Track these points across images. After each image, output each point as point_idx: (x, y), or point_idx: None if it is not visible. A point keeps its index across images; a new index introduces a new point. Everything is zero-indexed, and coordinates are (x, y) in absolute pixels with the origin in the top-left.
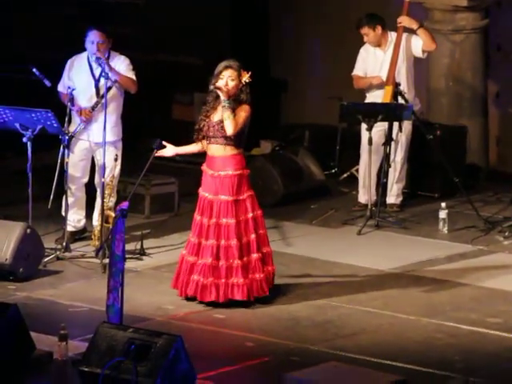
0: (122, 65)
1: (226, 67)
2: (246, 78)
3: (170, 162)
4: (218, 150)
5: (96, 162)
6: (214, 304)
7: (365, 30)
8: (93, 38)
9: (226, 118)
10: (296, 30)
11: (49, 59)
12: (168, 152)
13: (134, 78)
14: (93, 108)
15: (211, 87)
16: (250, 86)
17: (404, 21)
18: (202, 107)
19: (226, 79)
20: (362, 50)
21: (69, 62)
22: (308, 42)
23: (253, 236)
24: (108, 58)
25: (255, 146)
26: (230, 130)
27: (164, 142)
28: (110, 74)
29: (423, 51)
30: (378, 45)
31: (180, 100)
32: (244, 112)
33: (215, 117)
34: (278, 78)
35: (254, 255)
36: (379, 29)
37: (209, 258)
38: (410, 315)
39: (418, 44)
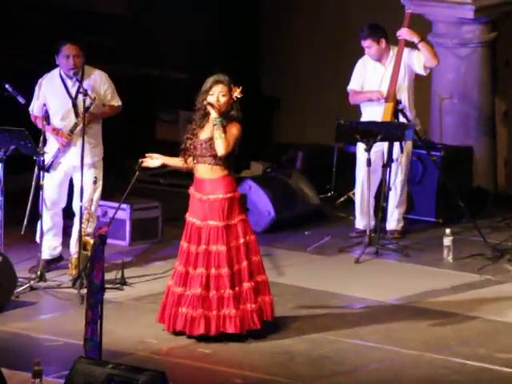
0: (102, 88)
1: (217, 82)
2: (237, 93)
3: (153, 184)
4: (206, 172)
5: (74, 184)
6: (205, 338)
7: (367, 43)
8: (67, 52)
9: (217, 137)
10: (289, 44)
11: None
12: (155, 162)
13: (119, 103)
14: (71, 131)
15: (198, 104)
16: (239, 103)
17: (404, 33)
18: (188, 125)
19: (217, 95)
20: (359, 63)
21: (40, 81)
22: (302, 57)
23: (244, 263)
24: (82, 73)
25: (245, 167)
26: (221, 150)
27: (153, 155)
28: (88, 92)
29: (425, 67)
30: (379, 59)
31: (164, 118)
32: (235, 130)
33: (202, 135)
34: (270, 95)
35: (246, 284)
36: (383, 42)
37: (198, 288)
38: (412, 350)
39: (420, 60)
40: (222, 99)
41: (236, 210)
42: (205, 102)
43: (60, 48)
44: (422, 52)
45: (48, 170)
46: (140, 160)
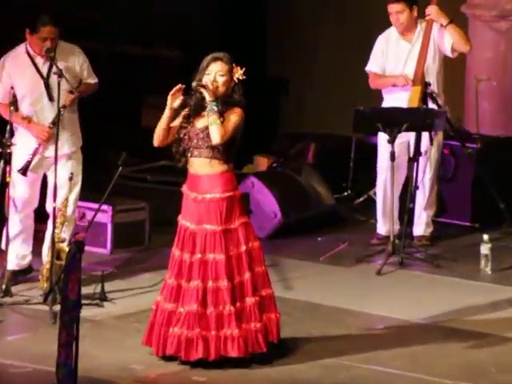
0: (77, 65)
1: (215, 59)
2: (238, 74)
3: (139, 182)
4: (202, 166)
5: (48, 181)
6: (203, 363)
7: (399, 7)
8: (46, 34)
9: (211, 123)
10: (300, 17)
11: None
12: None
13: (95, 79)
14: (53, 123)
15: (194, 85)
16: (243, 86)
17: (433, 12)
18: (182, 112)
19: (214, 74)
20: (380, 40)
21: (2, 61)
22: (315, 32)
23: (247, 275)
24: (55, 48)
25: (247, 162)
26: (216, 138)
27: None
28: (63, 71)
29: (453, 50)
30: (405, 32)
31: (152, 103)
32: (236, 117)
33: (199, 123)
34: (277, 77)
35: (249, 299)
36: (416, 11)
37: (193, 304)
38: (444, 378)
39: (449, 42)
40: (220, 79)
41: (236, 211)
42: (196, 84)
43: (38, 28)
44: (451, 35)
45: (25, 173)
46: (123, 153)
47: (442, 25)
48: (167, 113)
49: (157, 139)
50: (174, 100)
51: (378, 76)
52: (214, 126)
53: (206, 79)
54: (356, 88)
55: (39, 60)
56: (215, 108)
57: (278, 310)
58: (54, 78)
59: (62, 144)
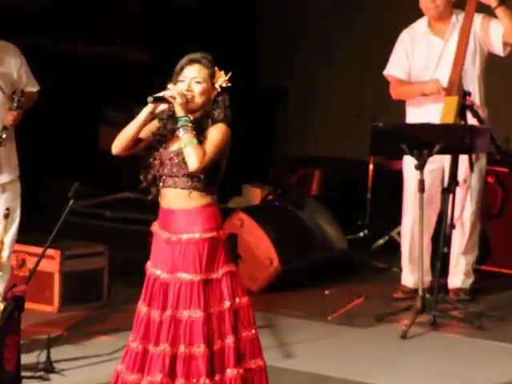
0: (15, 69)
1: (191, 62)
2: (221, 81)
3: (96, 219)
4: (177, 199)
5: None
6: None
7: None
8: None
9: (185, 144)
10: (300, 16)
11: None
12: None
13: (37, 87)
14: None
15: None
16: (229, 96)
17: None
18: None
19: (189, 81)
20: (404, 36)
21: None
22: (319, 33)
23: (230, 340)
24: None
25: (235, 193)
26: (193, 162)
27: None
28: None
29: (504, 45)
30: (437, 23)
31: (112, 119)
32: (218, 134)
33: (173, 145)
34: (274, 86)
35: (231, 371)
36: None
37: (158, 374)
38: None
39: (498, 33)
40: (197, 88)
41: (220, 257)
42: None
43: None
44: (501, 21)
45: None
46: (76, 182)
47: (492, 7)
48: (144, 118)
49: (119, 146)
50: (158, 104)
51: (401, 82)
52: (188, 148)
53: (180, 87)
54: (373, 99)
55: None
56: (188, 124)
57: None
58: None
59: None
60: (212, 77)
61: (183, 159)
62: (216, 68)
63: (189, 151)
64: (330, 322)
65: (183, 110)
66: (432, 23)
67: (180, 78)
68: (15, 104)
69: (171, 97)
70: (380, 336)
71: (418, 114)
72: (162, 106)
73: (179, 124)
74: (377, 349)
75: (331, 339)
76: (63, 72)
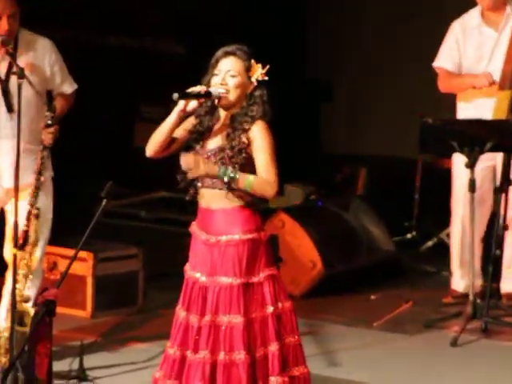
0: (48, 66)
1: (226, 54)
2: (258, 74)
3: (130, 220)
4: (216, 199)
5: (6, 219)
6: None
7: None
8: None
9: (248, 188)
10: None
11: None
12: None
13: (74, 86)
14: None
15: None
16: (268, 91)
17: None
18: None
19: (224, 75)
20: (455, 27)
21: None
22: (365, 26)
23: (274, 347)
24: (16, 41)
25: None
26: (268, 195)
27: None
28: (25, 72)
29: None
30: (490, 13)
31: (147, 115)
32: (265, 139)
33: (211, 143)
34: (317, 80)
35: (275, 379)
36: None
37: (198, 382)
38: None
39: None
40: (232, 81)
41: (262, 259)
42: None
43: None
44: None
45: None
46: (109, 181)
47: None
48: (175, 117)
49: (152, 148)
50: (188, 101)
51: (450, 75)
52: (254, 187)
53: (215, 81)
54: (421, 95)
55: None
56: (230, 174)
57: None
58: (14, 81)
59: (24, 169)
60: (248, 70)
61: (221, 159)
62: (253, 61)
63: (257, 189)
64: (375, 328)
65: (224, 104)
66: (485, 14)
67: (215, 72)
68: (49, 122)
69: (200, 91)
70: (429, 343)
71: (469, 109)
72: (193, 103)
73: (221, 173)
74: (425, 357)
75: (377, 347)
76: (98, 66)
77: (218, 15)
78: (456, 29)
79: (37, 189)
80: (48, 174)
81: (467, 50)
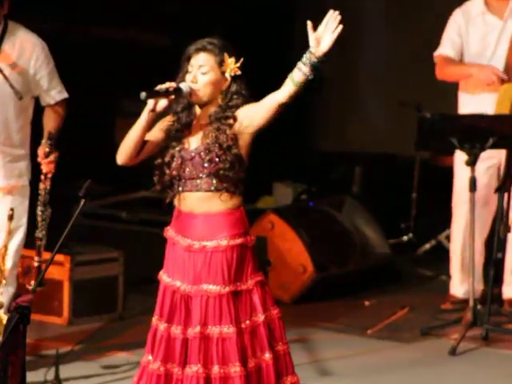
0: (34, 64)
1: (197, 50)
2: (230, 68)
3: (110, 221)
4: (200, 203)
5: None
6: None
7: None
8: None
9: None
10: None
11: None
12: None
13: (64, 94)
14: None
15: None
16: (245, 84)
17: None
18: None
19: (195, 72)
20: (457, 14)
21: None
22: (360, 12)
23: (268, 356)
24: (3, 31)
25: (264, 192)
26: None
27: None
28: (3, 65)
29: None
30: (495, 0)
31: (128, 110)
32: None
33: (193, 141)
34: None
35: None
36: None
37: None
38: None
39: None
40: (204, 78)
41: (249, 264)
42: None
43: None
44: None
45: None
46: (88, 180)
47: None
48: (145, 118)
49: (124, 155)
50: (158, 100)
51: (449, 61)
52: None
53: (188, 78)
54: (419, 89)
55: None
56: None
57: None
58: None
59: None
60: (221, 65)
61: (209, 158)
62: (226, 55)
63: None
64: (369, 336)
65: (196, 98)
66: (489, 1)
67: (188, 68)
68: (47, 149)
69: (168, 88)
70: (426, 352)
71: (469, 102)
72: (163, 102)
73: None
74: (422, 366)
75: (371, 355)
76: (77, 58)
77: (203, 5)
78: (458, 17)
79: (43, 221)
80: (26, 177)
81: (470, 39)
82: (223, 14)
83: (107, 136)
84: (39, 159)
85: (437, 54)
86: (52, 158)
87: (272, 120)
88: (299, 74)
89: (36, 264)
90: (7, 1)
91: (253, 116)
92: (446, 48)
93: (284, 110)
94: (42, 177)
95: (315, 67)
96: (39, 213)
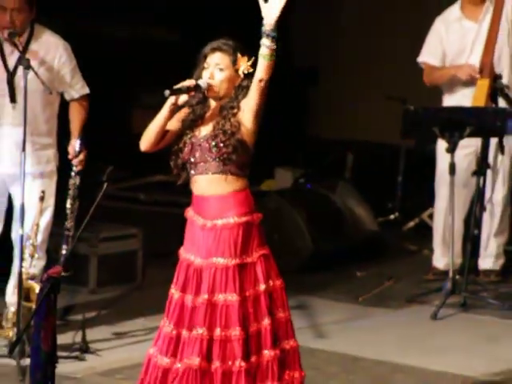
0: (57, 62)
1: (212, 50)
2: (244, 67)
3: (130, 202)
4: (209, 185)
5: (13, 202)
6: None
7: None
8: (6, 3)
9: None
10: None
11: None
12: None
13: (85, 89)
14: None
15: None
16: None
17: None
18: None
19: (212, 69)
20: (438, 22)
21: None
22: (349, 13)
23: (266, 322)
24: (31, 34)
25: (267, 176)
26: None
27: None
28: (32, 64)
29: None
30: (471, 6)
31: (144, 102)
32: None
33: (203, 130)
34: (306, 68)
35: (268, 353)
36: None
37: (195, 357)
38: None
39: None
40: (219, 75)
41: (255, 240)
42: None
43: None
44: None
45: None
46: (109, 167)
47: None
48: (167, 111)
49: (146, 142)
50: (179, 95)
51: (434, 68)
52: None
53: (205, 75)
54: (406, 83)
55: (7, 47)
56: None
57: (303, 366)
58: (19, 73)
59: (29, 159)
60: (234, 63)
61: (214, 143)
62: (239, 54)
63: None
64: (361, 303)
65: (213, 93)
66: (465, 7)
67: (204, 66)
68: (77, 149)
69: (189, 86)
70: (410, 317)
71: (451, 97)
72: (184, 97)
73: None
74: (407, 330)
75: (362, 320)
76: (95, 55)
77: (208, 3)
78: (438, 24)
79: (72, 213)
80: (54, 163)
81: (450, 43)
82: (228, 13)
83: (125, 126)
84: (70, 157)
85: (420, 60)
86: (82, 156)
87: (263, 99)
88: (263, 48)
89: (64, 252)
90: (35, 6)
91: (247, 101)
92: (429, 57)
93: (268, 85)
94: (72, 173)
95: (273, 37)
96: (68, 206)
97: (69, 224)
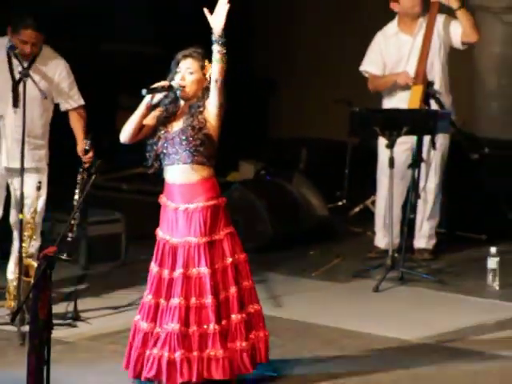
0: (57, 77)
1: (184, 56)
2: (210, 71)
3: (114, 191)
4: (181, 174)
5: (12, 192)
6: None
7: None
8: (26, 38)
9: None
10: (287, 13)
11: None
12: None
13: (80, 101)
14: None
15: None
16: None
17: None
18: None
19: (183, 73)
20: (378, 38)
21: None
22: (302, 27)
23: (233, 290)
24: (36, 56)
25: (232, 169)
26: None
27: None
28: (31, 73)
29: (462, 42)
30: (408, 21)
31: (128, 105)
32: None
33: (175, 125)
34: (264, 78)
35: (235, 316)
36: None
37: (176, 323)
38: None
39: (458, 31)
40: (190, 78)
41: (222, 220)
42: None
43: (19, 29)
44: (460, 22)
45: None
46: (98, 160)
47: (453, 9)
48: (143, 109)
49: (126, 134)
50: (154, 94)
51: (376, 77)
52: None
53: (177, 78)
54: (352, 89)
55: (14, 61)
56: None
57: (266, 328)
58: (27, 83)
59: (31, 154)
60: (202, 68)
61: (186, 137)
62: (206, 61)
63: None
64: (313, 277)
65: (184, 95)
66: (402, 23)
67: (177, 70)
68: (87, 147)
69: (163, 86)
70: (356, 290)
71: (390, 101)
72: (159, 96)
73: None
74: (353, 300)
75: (315, 292)
76: (87, 65)
77: (183, 21)
78: (379, 38)
79: (80, 204)
80: (44, 161)
81: (389, 54)
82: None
83: (111, 124)
84: (80, 154)
85: (362, 69)
86: (91, 154)
87: (222, 97)
88: (215, 53)
89: (69, 239)
90: (42, 38)
91: (209, 99)
92: (370, 66)
93: (224, 86)
94: (81, 169)
95: (222, 43)
96: (76, 197)
97: (74, 215)
